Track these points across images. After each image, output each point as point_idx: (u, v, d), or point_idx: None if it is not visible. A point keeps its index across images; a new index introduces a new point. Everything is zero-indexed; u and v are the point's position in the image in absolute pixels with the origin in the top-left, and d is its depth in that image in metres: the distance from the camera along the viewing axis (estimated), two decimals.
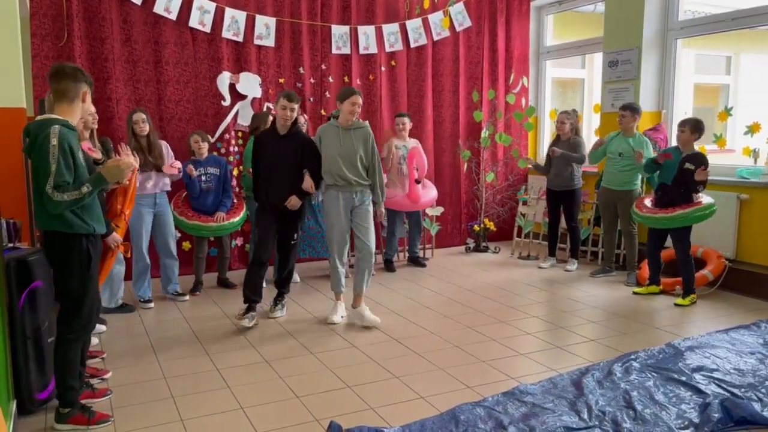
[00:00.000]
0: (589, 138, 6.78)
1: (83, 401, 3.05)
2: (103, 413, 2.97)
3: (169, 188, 4.90)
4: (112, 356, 3.79)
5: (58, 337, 2.91)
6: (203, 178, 5.11)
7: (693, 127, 4.80)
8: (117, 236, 3.77)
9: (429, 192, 6.21)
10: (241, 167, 5.72)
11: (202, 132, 5.27)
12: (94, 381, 3.32)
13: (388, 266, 6.15)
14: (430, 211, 6.52)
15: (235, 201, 5.32)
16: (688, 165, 4.78)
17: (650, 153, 5.37)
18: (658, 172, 5.02)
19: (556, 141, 6.05)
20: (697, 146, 5.25)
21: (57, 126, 2.69)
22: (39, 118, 2.83)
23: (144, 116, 4.68)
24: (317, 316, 4.60)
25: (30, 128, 2.76)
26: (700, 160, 4.77)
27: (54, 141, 2.64)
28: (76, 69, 2.85)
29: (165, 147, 4.92)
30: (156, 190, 4.77)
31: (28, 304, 2.99)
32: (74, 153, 2.73)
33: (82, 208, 2.79)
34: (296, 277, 5.64)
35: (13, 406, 2.95)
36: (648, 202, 5.11)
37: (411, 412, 3.04)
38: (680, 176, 4.81)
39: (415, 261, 6.36)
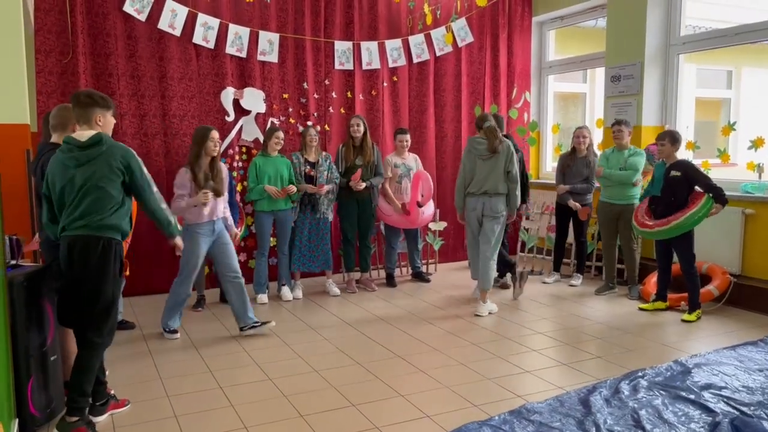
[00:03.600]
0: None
1: (110, 412, 3.18)
2: None
3: (223, 214, 4.52)
4: (114, 373, 3.76)
5: (85, 343, 2.97)
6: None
7: (672, 139, 4.88)
8: None
9: (426, 210, 6.18)
10: (245, 182, 5.67)
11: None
12: None
13: (390, 281, 6.12)
14: (433, 226, 6.50)
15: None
16: (674, 173, 4.82)
17: (642, 163, 5.47)
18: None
19: (572, 157, 5.97)
20: (699, 160, 5.26)
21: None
22: (93, 134, 2.97)
23: (217, 135, 4.43)
24: (321, 335, 4.57)
25: (103, 138, 2.97)
26: (685, 166, 4.81)
27: (133, 151, 3.05)
28: (90, 96, 3.05)
29: (226, 172, 4.64)
30: (213, 217, 4.38)
31: (32, 321, 2.96)
32: None
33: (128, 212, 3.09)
34: (299, 293, 5.62)
35: (15, 424, 2.91)
36: (643, 212, 5.05)
37: (417, 431, 3.00)
38: (668, 185, 4.85)
39: (419, 276, 6.33)
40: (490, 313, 5.07)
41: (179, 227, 3.34)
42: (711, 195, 4.67)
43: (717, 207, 4.67)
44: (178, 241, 3.37)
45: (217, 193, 4.37)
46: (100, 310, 2.95)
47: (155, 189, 3.14)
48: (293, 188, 5.33)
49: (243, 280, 4.47)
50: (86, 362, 2.95)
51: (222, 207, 4.49)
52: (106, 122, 3.07)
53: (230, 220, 4.69)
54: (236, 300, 4.45)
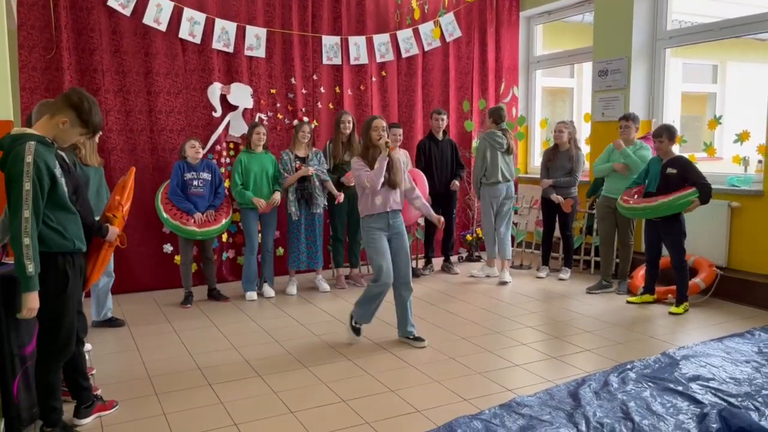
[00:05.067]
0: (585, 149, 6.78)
1: (97, 414, 3.10)
2: None
3: (400, 207, 4.17)
4: (102, 371, 3.73)
5: (37, 359, 2.85)
6: (194, 183, 5.11)
7: (669, 134, 4.84)
8: (114, 229, 3.44)
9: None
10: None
11: (198, 138, 5.26)
12: None
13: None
14: (422, 221, 6.50)
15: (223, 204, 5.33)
16: (670, 170, 4.80)
17: (649, 157, 5.36)
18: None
19: (554, 151, 6.01)
20: (686, 154, 5.28)
21: (33, 142, 2.58)
22: (14, 131, 2.69)
23: (383, 124, 4.10)
24: (312, 331, 4.56)
25: (4, 141, 2.65)
26: (682, 163, 4.80)
27: (29, 159, 2.52)
28: (81, 98, 2.68)
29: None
30: (386, 208, 4.06)
31: (14, 321, 2.92)
32: (52, 172, 2.63)
33: (62, 223, 2.70)
34: (293, 289, 5.60)
35: (1, 425, 2.88)
36: (628, 195, 5.06)
37: (408, 426, 3.01)
38: (664, 182, 4.83)
39: None
40: (506, 281, 5.94)
41: (36, 284, 2.59)
42: (697, 189, 4.68)
43: (695, 202, 4.66)
44: (30, 299, 2.59)
45: (392, 184, 4.08)
46: (45, 326, 2.79)
47: (26, 214, 2.51)
48: (277, 198, 5.32)
49: (411, 290, 4.24)
50: (39, 377, 2.83)
51: (399, 199, 4.15)
52: (66, 131, 2.69)
53: (430, 210, 4.37)
54: (398, 309, 4.25)
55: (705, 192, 4.65)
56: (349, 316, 4.27)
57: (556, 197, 5.89)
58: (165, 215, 5.01)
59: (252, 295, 5.40)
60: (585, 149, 6.49)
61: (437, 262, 6.62)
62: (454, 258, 6.68)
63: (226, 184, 5.70)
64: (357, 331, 4.24)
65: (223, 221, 5.19)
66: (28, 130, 2.67)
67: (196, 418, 3.11)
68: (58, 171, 2.69)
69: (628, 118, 5.49)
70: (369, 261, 4.19)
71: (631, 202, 4.97)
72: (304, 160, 5.49)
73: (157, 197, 5.14)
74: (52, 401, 2.85)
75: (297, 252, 5.56)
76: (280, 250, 5.99)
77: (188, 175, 5.10)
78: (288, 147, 5.60)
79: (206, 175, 5.18)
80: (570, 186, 5.92)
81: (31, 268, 2.54)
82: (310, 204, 5.51)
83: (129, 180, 3.77)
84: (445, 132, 6.25)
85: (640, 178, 5.10)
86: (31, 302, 2.60)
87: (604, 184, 5.69)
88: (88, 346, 4.06)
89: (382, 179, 4.01)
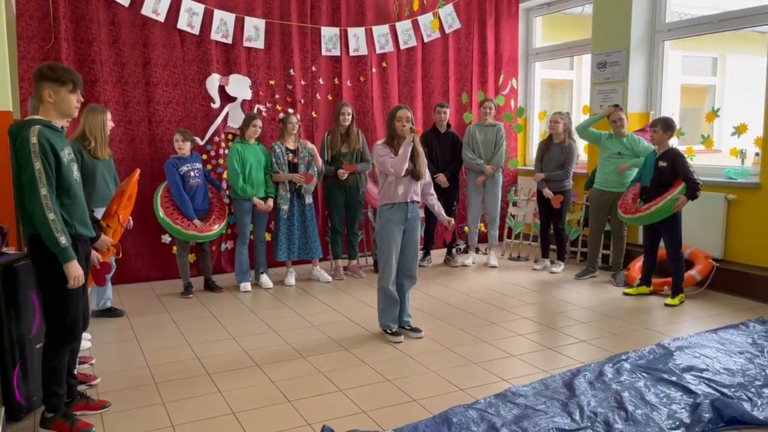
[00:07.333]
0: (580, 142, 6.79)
1: (77, 413, 3.03)
2: (86, 422, 2.93)
3: (419, 199, 4.12)
4: (102, 361, 3.76)
5: (44, 344, 2.88)
6: (191, 173, 5.11)
7: (664, 126, 4.83)
8: (106, 238, 3.53)
9: None
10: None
11: (184, 131, 5.22)
12: (82, 387, 3.28)
13: (377, 267, 6.13)
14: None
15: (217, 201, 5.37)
16: (661, 163, 4.83)
17: (645, 147, 5.42)
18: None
19: (548, 143, 6.02)
20: (683, 147, 5.29)
21: (37, 126, 2.67)
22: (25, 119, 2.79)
23: (407, 114, 4.04)
24: (309, 321, 4.59)
25: (11, 129, 2.75)
26: (673, 156, 4.80)
27: (33, 139, 2.61)
28: (40, 68, 2.76)
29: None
30: (407, 198, 4.03)
31: (14, 310, 2.95)
32: (57, 153, 2.69)
33: (65, 208, 2.74)
34: (291, 280, 5.63)
35: (2, 412, 2.92)
36: (629, 200, 5.12)
37: (403, 414, 3.03)
38: (656, 176, 4.86)
39: None
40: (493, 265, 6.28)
41: (72, 253, 2.71)
42: (686, 185, 4.71)
43: (682, 199, 4.70)
44: (71, 268, 2.71)
45: (416, 176, 4.03)
46: (51, 313, 2.82)
47: (44, 191, 2.60)
48: (271, 204, 5.39)
49: (414, 282, 4.27)
50: (45, 361, 2.86)
51: (419, 191, 4.11)
52: (59, 99, 2.73)
53: (442, 210, 4.31)
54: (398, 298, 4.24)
55: (692, 187, 4.68)
56: (381, 329, 4.24)
57: (547, 192, 5.90)
58: (165, 218, 5.01)
59: (246, 285, 5.41)
60: (582, 142, 6.49)
61: (436, 254, 6.65)
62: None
63: (224, 175, 5.72)
64: (396, 334, 4.14)
65: (222, 224, 5.24)
66: (35, 117, 2.77)
67: (195, 407, 3.15)
68: (66, 156, 2.76)
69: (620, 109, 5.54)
70: (378, 253, 4.19)
71: (627, 212, 5.03)
72: (295, 153, 5.49)
73: (156, 198, 5.10)
74: (55, 387, 2.88)
75: (278, 242, 5.52)
76: None
77: (184, 168, 5.08)
78: (278, 139, 5.59)
79: (199, 165, 5.20)
80: (562, 179, 5.91)
81: (63, 239, 2.65)
82: (301, 196, 5.53)
83: (129, 186, 3.74)
84: (448, 125, 6.24)
85: (638, 174, 5.13)
86: (73, 271, 2.72)
87: (597, 177, 5.72)
88: (87, 336, 4.09)
89: (406, 166, 4.00)
